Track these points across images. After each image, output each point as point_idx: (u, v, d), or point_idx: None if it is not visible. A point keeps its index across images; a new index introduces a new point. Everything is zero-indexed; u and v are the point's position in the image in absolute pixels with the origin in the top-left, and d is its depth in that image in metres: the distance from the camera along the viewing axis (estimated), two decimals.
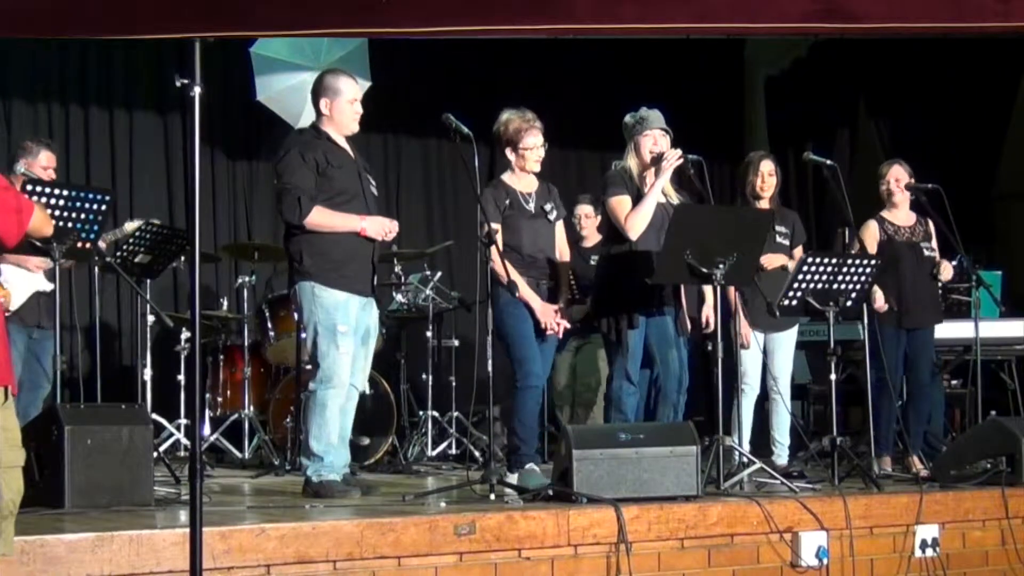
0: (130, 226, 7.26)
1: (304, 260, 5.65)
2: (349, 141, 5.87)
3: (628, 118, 6.31)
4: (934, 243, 7.33)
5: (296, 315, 6.10)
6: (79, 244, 5.44)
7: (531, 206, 6.08)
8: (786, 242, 6.96)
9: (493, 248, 5.69)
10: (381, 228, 5.73)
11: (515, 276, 5.82)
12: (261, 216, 9.58)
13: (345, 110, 5.76)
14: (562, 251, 6.22)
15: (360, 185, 5.78)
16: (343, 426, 5.71)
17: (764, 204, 6.88)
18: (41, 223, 4.06)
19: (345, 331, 5.60)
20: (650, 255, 6.08)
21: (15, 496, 3.61)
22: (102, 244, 6.61)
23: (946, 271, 7.24)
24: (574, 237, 7.96)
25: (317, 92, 5.81)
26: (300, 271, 5.68)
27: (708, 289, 6.32)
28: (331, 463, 5.59)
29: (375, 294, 5.82)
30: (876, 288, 6.96)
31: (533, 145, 6.04)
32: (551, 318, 5.97)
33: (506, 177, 6.12)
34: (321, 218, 5.62)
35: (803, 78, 10.92)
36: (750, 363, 6.73)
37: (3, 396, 3.61)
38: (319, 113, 5.82)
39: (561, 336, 6.23)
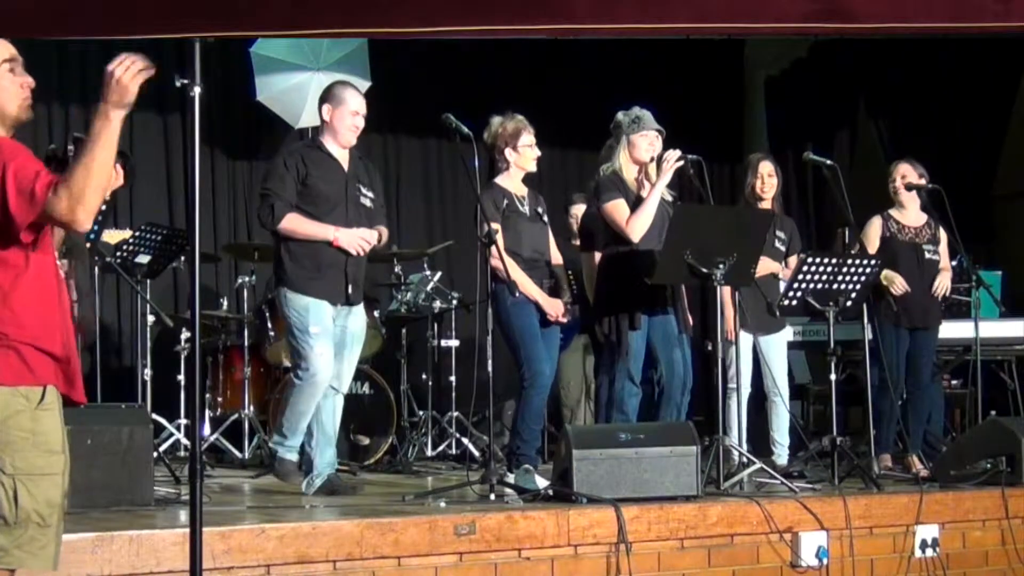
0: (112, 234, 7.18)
1: (282, 265, 5.80)
2: (351, 151, 5.94)
3: (621, 116, 6.27)
4: (941, 248, 7.28)
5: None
6: None
7: (526, 208, 6.12)
8: (783, 248, 6.96)
9: (494, 248, 5.71)
10: (354, 241, 5.78)
11: (517, 274, 5.84)
12: None
13: (346, 120, 5.84)
14: (554, 253, 6.29)
15: (344, 195, 5.85)
16: (331, 426, 5.86)
17: (766, 206, 6.87)
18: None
19: (317, 332, 5.70)
20: (652, 255, 6.08)
21: (41, 506, 3.30)
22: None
23: (941, 286, 7.21)
24: (568, 236, 7.95)
25: (322, 99, 5.93)
26: (278, 276, 5.85)
27: (727, 299, 6.34)
28: (292, 445, 5.80)
29: (352, 303, 5.85)
30: (894, 275, 6.96)
31: (531, 143, 6.10)
32: (559, 309, 6.04)
33: (501, 180, 6.14)
34: (293, 224, 5.74)
35: (803, 78, 10.91)
36: (740, 362, 6.72)
37: (39, 397, 3.40)
38: (321, 120, 5.93)
39: (561, 334, 6.24)
